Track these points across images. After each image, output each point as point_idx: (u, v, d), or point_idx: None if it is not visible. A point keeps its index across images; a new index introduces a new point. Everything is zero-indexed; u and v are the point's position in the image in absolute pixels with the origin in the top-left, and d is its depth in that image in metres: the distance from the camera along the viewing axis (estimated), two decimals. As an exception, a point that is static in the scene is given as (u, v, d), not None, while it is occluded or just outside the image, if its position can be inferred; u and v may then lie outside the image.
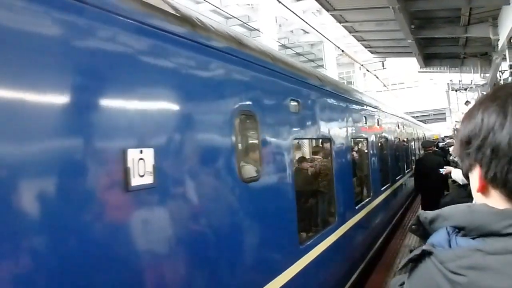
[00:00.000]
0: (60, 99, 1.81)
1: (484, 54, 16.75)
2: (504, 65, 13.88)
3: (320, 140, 5.58)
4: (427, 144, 11.34)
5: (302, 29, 31.05)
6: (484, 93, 19.20)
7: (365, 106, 8.05)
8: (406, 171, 13.77)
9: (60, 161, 1.75)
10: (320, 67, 30.11)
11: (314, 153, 5.79)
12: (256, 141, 3.48)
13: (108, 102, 2.06)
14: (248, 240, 3.23)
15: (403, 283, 1.11)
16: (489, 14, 11.46)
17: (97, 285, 1.86)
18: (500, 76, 15.77)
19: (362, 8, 11.73)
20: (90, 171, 1.89)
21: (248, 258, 3.23)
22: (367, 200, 7.39)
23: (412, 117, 25.13)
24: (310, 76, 5.15)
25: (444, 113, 44.59)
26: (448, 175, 7.40)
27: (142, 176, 2.10)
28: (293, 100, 4.29)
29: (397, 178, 11.29)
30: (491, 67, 16.11)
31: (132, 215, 2.10)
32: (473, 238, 1.00)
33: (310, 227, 4.92)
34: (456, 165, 7.65)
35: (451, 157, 10.19)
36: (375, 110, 9.03)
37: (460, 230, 1.04)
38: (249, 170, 3.30)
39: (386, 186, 9.52)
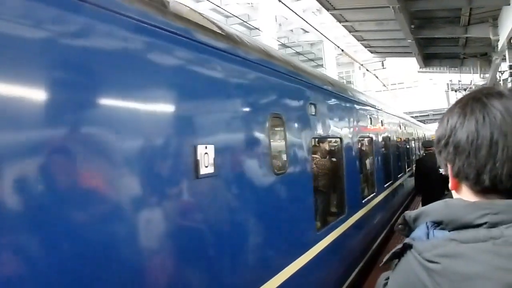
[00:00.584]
0: (162, 111, 2.48)
1: (484, 55, 16.76)
2: (504, 66, 13.89)
3: (333, 139, 6.12)
4: (427, 144, 11.33)
5: (302, 28, 31.07)
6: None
7: (370, 107, 8.55)
8: (407, 170, 14.09)
9: (159, 154, 2.37)
10: (320, 66, 30.12)
11: (327, 150, 6.44)
12: (283, 140, 4.02)
13: (184, 109, 2.66)
14: (278, 221, 3.79)
15: (387, 278, 1.16)
16: (489, 15, 11.46)
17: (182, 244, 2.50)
18: (499, 77, 15.78)
19: (362, 8, 11.73)
20: (177, 162, 2.50)
21: (279, 236, 3.79)
22: (372, 195, 7.87)
23: (411, 117, 25.14)
24: (325, 82, 5.75)
25: (444, 113, 44.65)
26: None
27: (206, 166, 2.69)
28: (311, 104, 4.81)
29: (398, 176, 11.75)
30: (490, 67, 16.12)
31: (201, 196, 2.72)
32: (449, 231, 1.07)
33: (324, 217, 5.42)
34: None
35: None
36: (379, 111, 9.54)
37: (438, 224, 1.11)
38: (278, 164, 3.91)
39: (389, 183, 10.04)
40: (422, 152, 15.18)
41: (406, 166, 14.11)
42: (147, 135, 2.28)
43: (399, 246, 1.09)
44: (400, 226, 1.24)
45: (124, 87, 2.17)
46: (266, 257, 3.51)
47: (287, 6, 13.95)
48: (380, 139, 9.33)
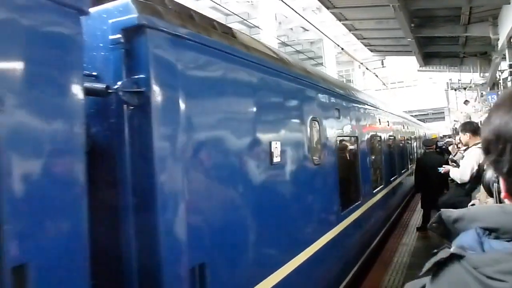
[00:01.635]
0: (251, 118, 3.50)
1: (483, 54, 16.75)
2: (504, 65, 13.88)
3: (351, 137, 7.01)
4: (428, 142, 11.34)
5: (301, 27, 31.01)
6: (484, 92, 19.31)
7: (379, 110, 9.77)
8: (409, 166, 14.64)
9: (255, 148, 3.47)
10: (320, 65, 30.10)
11: (347, 147, 7.22)
12: (319, 138, 5.07)
13: (262, 116, 3.69)
14: (318, 201, 4.97)
15: (423, 286, 1.03)
16: (489, 13, 11.45)
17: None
18: (499, 76, 15.79)
19: (362, 6, 11.72)
20: (262, 154, 3.57)
21: (318, 212, 4.98)
22: (380, 187, 8.97)
23: (411, 116, 25.17)
24: (344, 89, 6.97)
25: (443, 112, 44.58)
26: (447, 174, 7.41)
27: (276, 157, 3.76)
28: (336, 109, 5.92)
29: (402, 172, 12.67)
30: (490, 66, 16.13)
31: (274, 178, 3.86)
32: (508, 241, 0.95)
33: (345, 201, 6.12)
34: (454, 164, 7.66)
35: (450, 156, 10.21)
36: (386, 113, 10.73)
37: (491, 232, 0.99)
38: (316, 156, 4.93)
39: (394, 177, 11.07)
40: (422, 150, 15.24)
41: (409, 163, 14.86)
42: (248, 135, 3.42)
43: (444, 255, 0.96)
44: (434, 224, 1.13)
45: (231, 104, 3.29)
46: (311, 225, 4.70)
47: (287, 4, 13.90)
48: (387, 138, 10.47)
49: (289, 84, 4.40)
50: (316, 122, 4.99)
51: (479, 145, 6.08)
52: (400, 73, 46.25)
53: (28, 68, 1.69)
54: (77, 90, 1.92)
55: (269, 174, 3.71)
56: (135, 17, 2.34)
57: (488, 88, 19.01)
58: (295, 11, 16.81)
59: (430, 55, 18.33)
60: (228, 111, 3.20)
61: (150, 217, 2.33)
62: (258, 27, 21.54)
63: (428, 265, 1.00)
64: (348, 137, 6.79)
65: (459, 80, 21.53)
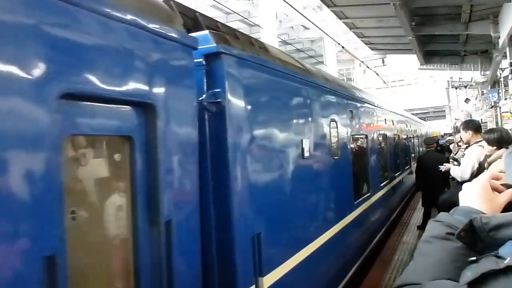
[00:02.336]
0: (290, 121, 4.37)
1: (484, 52, 16.74)
2: (505, 63, 13.88)
3: (362, 136, 7.76)
4: (429, 141, 11.33)
5: (302, 25, 30.98)
6: (484, 90, 19.30)
7: (385, 110, 10.56)
8: (412, 163, 14.99)
9: (293, 144, 4.28)
10: (320, 63, 30.09)
11: (358, 145, 7.83)
12: (337, 137, 5.84)
13: (296, 119, 4.52)
14: (337, 190, 5.70)
15: None
16: (490, 12, 11.45)
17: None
18: (500, 74, 15.78)
19: (363, 5, 11.71)
20: (297, 149, 4.37)
21: (337, 200, 5.68)
22: (387, 181, 9.70)
23: (412, 114, 25.19)
24: (356, 93, 7.91)
25: (444, 111, 44.70)
26: (448, 172, 7.41)
27: (306, 152, 4.52)
28: (350, 110, 6.67)
29: (405, 168, 13.37)
30: (491, 64, 16.12)
31: (305, 168, 4.64)
32: None
33: (357, 192, 6.88)
34: (456, 162, 7.65)
35: (451, 154, 10.21)
36: (391, 113, 11.59)
37: None
38: (334, 152, 5.68)
39: (398, 173, 11.77)
40: (423, 149, 15.26)
41: (412, 160, 15.36)
42: (288, 134, 4.22)
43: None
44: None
45: (275, 108, 4.09)
46: (333, 209, 5.55)
47: (287, 3, 13.92)
48: (393, 136, 11.29)
49: (313, 90, 5.16)
50: (334, 123, 5.79)
51: (480, 143, 6.10)
52: (401, 71, 46.28)
53: (167, 88, 2.52)
54: (193, 102, 2.83)
55: (302, 165, 4.50)
56: (214, 46, 3.14)
57: (489, 86, 19.02)
58: (296, 10, 16.81)
59: (430, 53, 18.33)
60: (273, 114, 4.00)
61: (225, 198, 3.10)
62: (259, 26, 21.54)
63: (471, 274, 0.91)
64: (359, 135, 7.59)
65: (459, 78, 21.54)
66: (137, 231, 2.28)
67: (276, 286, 3.57)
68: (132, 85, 2.26)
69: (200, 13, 3.72)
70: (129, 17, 2.25)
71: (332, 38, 21.83)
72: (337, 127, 5.82)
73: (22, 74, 1.66)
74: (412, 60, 22.55)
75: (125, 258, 2.29)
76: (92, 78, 2.01)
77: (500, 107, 17.04)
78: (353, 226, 6.18)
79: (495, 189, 1.29)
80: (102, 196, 2.33)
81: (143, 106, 2.36)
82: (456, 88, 23.04)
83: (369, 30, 15.28)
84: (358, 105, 7.49)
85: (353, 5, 11.94)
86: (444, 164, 7.61)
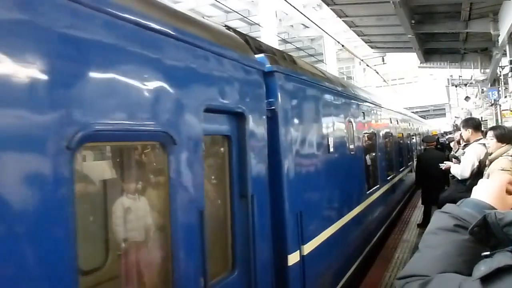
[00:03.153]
0: (321, 124, 5.39)
1: (484, 50, 16.73)
2: (504, 61, 13.86)
3: (372, 134, 8.74)
4: (428, 139, 11.34)
5: (302, 24, 30.96)
6: (484, 88, 19.29)
7: (392, 111, 11.77)
8: (414, 159, 15.61)
9: (322, 143, 5.27)
10: (320, 62, 30.07)
11: (369, 142, 8.75)
12: (352, 135, 6.78)
13: (323, 121, 5.42)
14: (353, 181, 6.76)
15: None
16: (490, 9, 11.44)
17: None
18: (500, 72, 15.75)
19: (362, 3, 11.71)
20: (325, 145, 5.36)
21: (353, 190, 6.78)
22: (392, 175, 10.73)
23: (412, 112, 25.21)
24: (367, 96, 9.00)
25: (444, 109, 44.58)
26: (448, 170, 7.42)
27: (331, 148, 5.49)
28: (362, 112, 7.74)
29: (408, 164, 14.42)
30: (491, 62, 16.11)
31: (329, 160, 5.51)
32: None
33: (369, 183, 7.94)
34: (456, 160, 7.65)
35: (451, 153, 10.20)
36: (396, 113, 12.78)
37: None
38: (350, 148, 6.60)
39: (403, 168, 12.84)
40: (423, 147, 15.28)
41: (414, 156, 16.24)
42: (319, 133, 5.24)
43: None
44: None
45: (309, 112, 5.06)
46: (352, 196, 6.66)
47: (287, 2, 13.91)
48: (398, 134, 12.42)
49: (334, 96, 6.15)
50: (351, 123, 6.72)
51: (480, 141, 6.10)
52: (400, 69, 46.25)
53: (251, 100, 3.64)
54: (264, 110, 3.90)
55: (328, 159, 5.51)
56: (270, 66, 4.12)
57: (489, 84, 18.99)
58: (296, 8, 16.79)
59: (430, 51, 18.32)
60: (308, 117, 4.99)
61: (279, 184, 4.09)
62: (259, 25, 21.52)
63: (485, 268, 0.91)
64: (370, 134, 8.58)
65: (459, 76, 21.51)
66: (233, 201, 3.38)
67: (313, 252, 4.64)
68: (232, 100, 3.34)
69: (250, 37, 4.88)
70: (232, 55, 3.44)
71: (332, 37, 21.81)
72: (352, 127, 6.81)
73: (194, 100, 2.83)
74: (412, 58, 22.53)
75: (226, 218, 3.39)
76: (217, 97, 3.13)
77: (500, 105, 17.01)
78: (366, 212, 7.39)
79: (508, 191, 1.29)
80: (215, 175, 3.49)
81: (237, 114, 3.44)
82: (456, 86, 23.01)
83: (369, 29, 15.28)
84: (369, 107, 8.50)
85: (352, 4, 11.93)
86: (445, 162, 7.61)
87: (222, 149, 3.44)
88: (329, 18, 26.11)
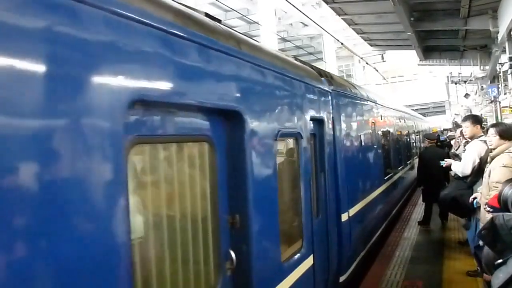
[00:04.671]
0: (359, 124, 7.29)
1: (483, 47, 16.73)
2: (504, 58, 13.85)
3: (387, 131, 10.30)
4: (429, 137, 11.31)
5: (301, 22, 30.93)
6: (484, 85, 19.29)
7: (399, 111, 13.55)
8: (417, 153, 16.20)
9: (358, 139, 7.04)
10: (320, 60, 30.04)
11: (385, 138, 10.17)
12: (375, 132, 8.50)
13: (361, 122, 7.49)
14: (376, 169, 8.46)
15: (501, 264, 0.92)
16: (489, 6, 11.43)
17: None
18: (499, 69, 15.77)
19: (361, 1, 11.70)
20: (360, 141, 7.12)
21: (375, 176, 8.35)
22: (401, 166, 12.50)
23: (412, 109, 25.26)
24: (383, 101, 10.62)
25: (444, 106, 44.56)
26: (448, 167, 7.42)
27: (362, 143, 7.26)
28: (380, 115, 9.37)
29: (414, 158, 15.75)
30: (490, 59, 16.10)
31: (362, 151, 7.33)
32: None
33: (386, 172, 9.57)
34: (457, 158, 7.65)
35: (451, 150, 10.20)
36: (403, 112, 14.56)
37: None
38: (373, 142, 8.22)
39: (410, 160, 14.72)
40: (424, 145, 15.29)
41: (418, 151, 17.27)
42: (357, 133, 6.96)
43: None
44: (483, 231, 1.04)
45: (353, 120, 6.88)
46: (376, 179, 8.38)
47: (286, 0, 13.90)
48: (406, 132, 14.31)
49: (364, 103, 7.99)
50: (373, 123, 8.40)
51: (481, 138, 6.10)
52: (400, 67, 46.19)
53: (325, 110, 5.39)
54: (331, 117, 5.60)
55: (362, 150, 7.23)
56: (328, 87, 5.69)
57: (489, 81, 18.99)
58: (295, 7, 16.78)
59: (430, 49, 18.31)
60: (349, 120, 6.56)
61: (336, 166, 5.64)
62: (258, 23, 21.49)
63: (503, 275, 0.89)
64: (385, 131, 10.10)
65: (459, 73, 21.51)
66: (317, 173, 5.13)
67: (355, 214, 6.36)
68: (319, 112, 5.13)
69: (315, 66, 6.34)
70: (318, 83, 5.29)
71: (331, 35, 21.81)
72: (375, 126, 8.50)
73: (306, 113, 4.62)
74: (411, 56, 22.51)
75: (313, 183, 4.93)
76: (315, 111, 4.98)
77: (499, 102, 17.01)
78: (387, 191, 9.41)
79: None
80: (310, 157, 4.87)
81: (320, 120, 5.15)
82: (455, 83, 23.00)
83: (368, 26, 15.27)
84: (384, 109, 10.25)
85: (351, 2, 11.93)
86: (445, 159, 7.60)
87: (312, 141, 4.98)
88: (328, 16, 26.07)
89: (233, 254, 2.91)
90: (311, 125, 4.79)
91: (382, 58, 30.07)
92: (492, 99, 17.44)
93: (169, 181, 2.52)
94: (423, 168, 10.04)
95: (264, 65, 3.62)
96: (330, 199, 5.33)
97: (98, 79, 1.82)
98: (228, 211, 2.96)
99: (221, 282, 2.83)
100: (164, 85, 2.28)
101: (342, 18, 13.95)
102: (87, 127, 1.74)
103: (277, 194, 3.64)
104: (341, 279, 5.69)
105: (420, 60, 19.97)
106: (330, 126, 5.51)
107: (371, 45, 19.82)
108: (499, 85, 16.83)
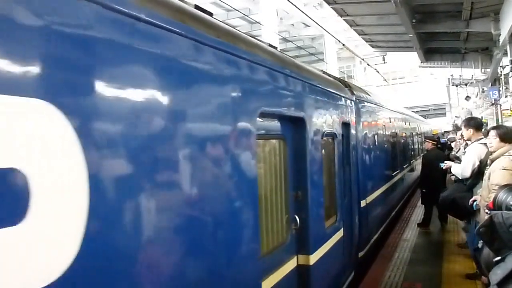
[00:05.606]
0: (379, 127, 9.38)
1: (485, 49, 16.70)
2: (505, 60, 13.84)
3: (396, 133, 11.80)
4: (431, 138, 11.31)
5: (303, 23, 30.92)
6: (485, 88, 19.27)
7: (405, 115, 15.20)
8: (420, 154, 17.15)
9: (375, 138, 8.75)
10: (321, 61, 30.03)
11: (394, 137, 11.75)
12: (387, 133, 10.23)
13: (379, 125, 9.47)
14: (392, 162, 10.87)
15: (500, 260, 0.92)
16: (491, 9, 11.42)
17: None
18: (500, 72, 15.74)
19: (363, 2, 11.70)
20: (378, 140, 8.94)
21: (392, 167, 10.82)
22: (408, 163, 14.52)
23: (413, 111, 25.33)
24: (393, 107, 12.28)
25: (444, 108, 44.48)
26: (448, 170, 7.42)
27: (376, 141, 8.75)
28: (389, 117, 10.83)
29: (417, 158, 17.07)
30: (492, 62, 16.08)
31: (376, 149, 8.79)
32: None
33: (396, 166, 11.57)
34: (457, 160, 7.64)
35: (452, 152, 10.18)
36: (409, 116, 16.44)
37: None
38: (384, 142, 9.88)
39: (416, 158, 16.65)
40: (425, 145, 15.31)
41: (420, 151, 18.62)
42: (377, 134, 8.87)
43: None
44: (482, 229, 1.02)
45: (374, 124, 8.83)
46: (387, 172, 10.16)
47: (288, 0, 13.89)
48: (412, 133, 16.52)
49: (377, 108, 9.27)
50: (384, 126, 9.82)
51: (481, 141, 6.10)
52: (401, 69, 46.16)
53: (353, 117, 6.92)
54: (354, 121, 7.03)
55: (376, 150, 8.66)
56: (352, 96, 6.95)
57: (490, 84, 18.96)
58: (296, 7, 16.78)
59: (431, 50, 18.29)
60: (367, 123, 7.91)
61: (357, 160, 6.99)
62: (259, 23, 21.49)
63: (501, 272, 0.88)
64: (394, 133, 11.57)
65: (460, 76, 21.47)
66: (344, 166, 6.18)
67: (371, 202, 7.73)
68: (348, 116, 6.39)
69: (332, 75, 7.29)
70: (348, 95, 6.73)
71: (332, 36, 21.80)
72: (385, 129, 9.98)
73: (339, 119, 5.98)
74: (412, 57, 22.49)
75: (346, 171, 6.32)
76: (347, 116, 6.44)
77: (500, 105, 17.00)
78: (396, 184, 11.19)
79: None
80: (342, 153, 6.10)
81: (346, 124, 6.25)
82: (456, 86, 22.96)
83: (369, 28, 15.26)
84: (394, 115, 11.90)
85: (353, 3, 11.92)
86: (445, 161, 7.60)
87: (341, 141, 6.00)
88: (329, 17, 26.06)
89: (297, 218, 4.22)
90: (341, 127, 5.95)
91: (383, 60, 30.07)
92: (493, 101, 17.42)
93: (268, 164, 3.90)
94: (426, 170, 10.01)
95: (315, 84, 4.99)
96: (353, 187, 6.66)
97: (252, 103, 3.27)
98: (294, 188, 4.25)
99: (289, 237, 4.14)
100: (270, 103, 3.63)
101: (343, 19, 13.94)
102: (252, 130, 3.20)
103: (323, 178, 4.91)
104: (360, 254, 6.93)
105: (421, 62, 19.95)
106: (354, 128, 6.80)
107: (373, 47, 19.81)
108: (500, 88, 16.80)
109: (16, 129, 1.44)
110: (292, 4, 14.99)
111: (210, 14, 3.23)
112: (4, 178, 1.41)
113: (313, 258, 4.41)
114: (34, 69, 1.53)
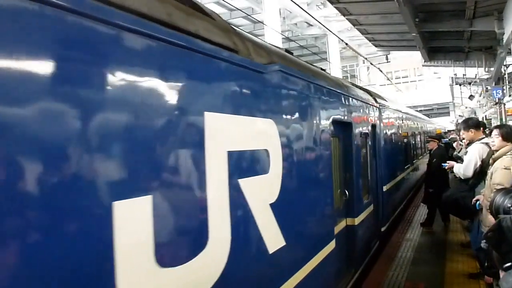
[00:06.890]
0: (396, 129, 11.31)
1: (488, 48, 16.63)
2: (509, 59, 13.81)
3: (406, 132, 13.14)
4: (436, 137, 11.27)
5: (306, 22, 30.91)
6: (489, 87, 19.23)
7: (413, 116, 16.67)
8: (426, 152, 17.96)
9: (393, 136, 10.65)
10: (324, 60, 30.02)
11: (406, 137, 13.16)
12: (401, 133, 12.00)
13: (393, 125, 10.79)
14: (406, 156, 12.87)
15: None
16: (495, 8, 11.37)
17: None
18: (504, 71, 15.69)
19: (366, 1, 11.68)
20: (393, 138, 10.59)
21: (404, 161, 12.45)
22: (415, 159, 15.52)
23: (416, 111, 25.36)
24: (405, 110, 14.77)
25: (448, 107, 44.46)
26: (450, 169, 7.41)
27: (393, 140, 10.53)
28: (402, 119, 12.29)
29: (424, 154, 18.14)
30: (495, 61, 16.02)
31: (393, 144, 10.57)
32: None
33: (407, 160, 12.87)
34: (460, 160, 7.64)
35: (454, 152, 10.16)
36: (416, 117, 18.00)
37: None
38: (401, 139, 12.00)
39: (422, 155, 17.76)
40: (429, 144, 15.30)
41: (426, 150, 18.62)
42: (390, 131, 10.11)
43: None
44: (490, 233, 1.05)
45: (392, 125, 10.56)
46: (401, 165, 11.75)
47: (291, 0, 13.89)
48: (418, 133, 17.15)
49: (394, 111, 10.86)
50: (399, 127, 11.27)
51: (483, 140, 6.09)
52: (404, 68, 46.10)
53: (377, 118, 8.54)
54: (379, 122, 8.69)
55: (393, 147, 10.17)
56: (376, 103, 8.41)
57: (493, 83, 18.89)
58: (300, 6, 16.78)
59: (435, 50, 18.24)
60: (386, 122, 9.24)
61: (379, 153, 8.45)
62: (262, 23, 21.49)
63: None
64: (406, 132, 13.04)
65: (464, 75, 21.41)
66: (372, 158, 7.80)
67: (389, 188, 9.19)
68: (374, 120, 8.00)
69: (362, 87, 8.86)
70: (374, 103, 8.35)
71: (335, 35, 21.77)
72: (401, 129, 11.52)
73: (369, 123, 7.60)
74: (416, 56, 22.45)
75: (373, 164, 8.02)
76: (375, 119, 8.29)
77: (504, 104, 16.96)
78: (408, 175, 12.81)
79: None
80: (371, 147, 7.89)
81: (373, 125, 7.90)
82: (460, 85, 22.91)
83: (373, 27, 15.23)
84: (405, 116, 13.35)
85: (356, 2, 11.91)
86: (447, 161, 7.59)
87: (370, 139, 7.56)
88: (333, 16, 26.08)
89: (346, 191, 5.85)
90: (370, 128, 7.52)
91: (387, 59, 29.99)
92: (497, 101, 17.38)
93: (332, 153, 5.16)
94: (429, 169, 9.97)
95: (356, 96, 6.57)
96: (378, 175, 8.23)
97: (330, 114, 4.96)
98: (344, 170, 5.93)
99: (343, 203, 5.79)
100: (337, 114, 5.26)
101: (347, 18, 13.92)
102: (329, 132, 4.81)
103: (361, 166, 6.63)
104: (382, 229, 8.54)
105: (424, 61, 19.89)
106: (378, 128, 8.38)
107: (376, 46, 19.76)
108: (504, 87, 16.76)
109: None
110: (295, 3, 15.00)
111: (290, 52, 5.06)
112: (260, 154, 3.08)
113: (357, 221, 6.14)
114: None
